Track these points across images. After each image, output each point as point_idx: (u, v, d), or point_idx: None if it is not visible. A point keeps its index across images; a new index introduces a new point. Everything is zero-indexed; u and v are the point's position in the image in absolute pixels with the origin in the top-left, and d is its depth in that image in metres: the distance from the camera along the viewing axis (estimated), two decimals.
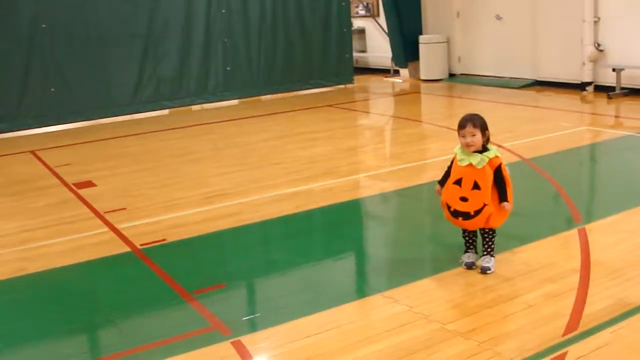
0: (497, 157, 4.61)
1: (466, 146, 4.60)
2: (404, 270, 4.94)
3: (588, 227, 5.52)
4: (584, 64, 12.28)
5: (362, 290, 4.82)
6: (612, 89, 11.79)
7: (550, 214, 6.09)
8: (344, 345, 3.89)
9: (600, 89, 12.21)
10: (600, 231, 5.46)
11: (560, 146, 8.36)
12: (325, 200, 6.75)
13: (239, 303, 4.68)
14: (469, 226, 4.72)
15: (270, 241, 5.99)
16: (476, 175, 4.56)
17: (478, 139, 4.58)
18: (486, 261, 4.75)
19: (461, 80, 14.83)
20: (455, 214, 4.65)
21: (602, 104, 11.30)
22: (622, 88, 11.72)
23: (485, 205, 4.55)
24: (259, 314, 4.44)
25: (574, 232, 5.43)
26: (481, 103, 12.01)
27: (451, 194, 4.66)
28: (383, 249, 5.74)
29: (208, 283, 4.91)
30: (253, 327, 4.23)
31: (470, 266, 4.79)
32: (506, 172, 4.66)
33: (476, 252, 4.88)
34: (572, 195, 6.37)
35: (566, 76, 12.75)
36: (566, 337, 3.82)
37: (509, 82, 13.73)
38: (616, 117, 10.41)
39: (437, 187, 4.86)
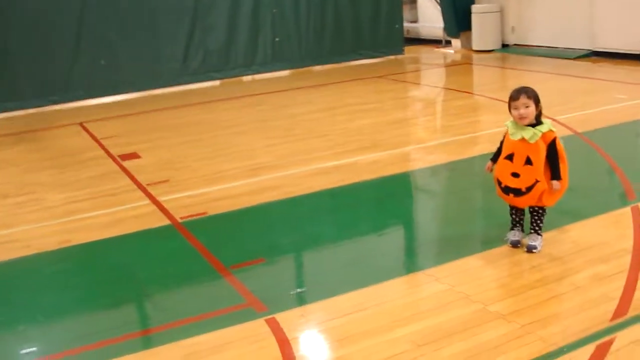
0: (551, 131, 4.42)
1: (519, 119, 4.41)
2: (447, 248, 4.81)
3: None
4: None
5: (403, 267, 4.68)
6: None
7: (603, 191, 5.85)
8: (380, 325, 3.78)
9: None
10: None
11: (615, 119, 8.05)
12: (371, 173, 6.62)
13: (277, 279, 4.59)
14: (520, 203, 4.56)
15: (313, 215, 5.87)
16: (529, 150, 4.39)
17: (532, 110, 4.39)
18: (533, 239, 4.57)
19: (514, 51, 14.44)
20: (506, 190, 4.50)
21: None
22: None
23: (537, 181, 4.38)
24: (297, 291, 4.36)
25: (627, 210, 5.19)
26: (534, 74, 11.67)
27: (502, 170, 4.51)
28: (428, 225, 5.60)
29: (247, 258, 4.84)
30: (290, 304, 4.13)
31: (515, 244, 4.62)
32: (561, 147, 4.47)
33: (523, 230, 4.71)
34: (626, 172, 6.11)
35: (624, 46, 12.28)
36: (614, 322, 3.64)
37: (564, 53, 13.31)
38: None
39: (489, 163, 4.70)
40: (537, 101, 4.44)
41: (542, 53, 13.68)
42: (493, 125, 7.96)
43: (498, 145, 4.67)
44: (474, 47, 14.93)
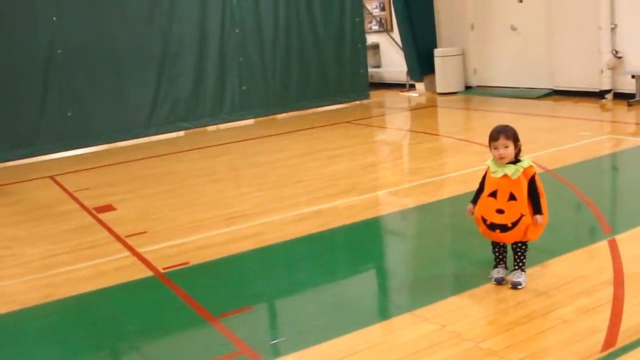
0: (531, 166, 4.54)
1: (499, 158, 4.54)
2: (433, 288, 4.85)
3: (618, 237, 5.40)
4: (602, 71, 12.15)
5: (390, 309, 4.74)
6: (631, 96, 11.66)
7: (578, 226, 6.00)
8: None
9: (619, 96, 12.07)
10: (631, 242, 5.33)
11: (582, 156, 8.25)
12: (348, 218, 6.67)
13: (265, 326, 4.60)
14: (506, 239, 4.62)
15: (294, 261, 5.90)
16: (511, 186, 4.49)
17: (510, 150, 4.51)
18: (517, 276, 4.64)
19: (478, 92, 14.74)
20: (492, 227, 4.57)
21: (622, 112, 11.17)
22: None
23: (522, 215, 4.47)
24: (286, 337, 4.35)
25: (604, 244, 5.32)
26: (499, 114, 11.91)
27: (487, 207, 4.58)
28: (409, 266, 5.65)
29: (233, 306, 4.83)
30: (281, 351, 4.15)
31: (500, 281, 4.69)
32: (539, 182, 4.59)
33: (506, 267, 4.78)
34: (599, 206, 6.27)
35: (584, 85, 12.62)
36: (605, 353, 3.72)
37: (526, 93, 13.62)
38: (637, 124, 10.27)
39: (470, 206, 4.75)
40: (516, 140, 4.56)
41: (504, 93, 13.98)
42: (462, 167, 8.10)
43: (478, 186, 4.74)
44: (438, 90, 15.20)
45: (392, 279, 5.42)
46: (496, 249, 4.77)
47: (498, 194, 4.52)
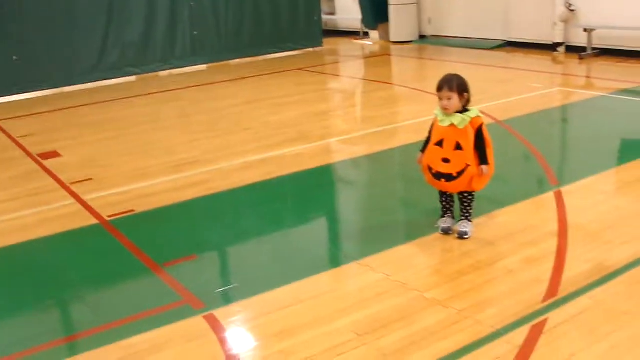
0: (478, 117, 4.51)
1: (443, 109, 4.51)
2: (379, 237, 4.84)
3: (564, 189, 5.46)
4: (555, 24, 12.20)
5: (337, 258, 4.72)
6: (583, 49, 11.72)
7: (526, 177, 6.03)
8: (319, 316, 3.79)
9: (571, 49, 12.13)
10: (576, 193, 5.39)
11: (532, 107, 8.28)
12: (296, 166, 6.62)
13: (210, 275, 4.55)
14: (451, 188, 4.62)
15: (241, 209, 5.84)
16: (458, 135, 4.46)
17: (454, 102, 4.47)
18: (464, 226, 4.66)
19: (431, 42, 14.68)
20: (438, 175, 4.55)
21: (574, 65, 11.23)
22: (594, 48, 11.64)
23: (468, 165, 4.46)
24: (231, 286, 4.31)
25: (550, 195, 5.36)
26: (452, 64, 11.88)
27: (433, 156, 4.56)
28: (357, 215, 5.63)
29: (179, 255, 4.78)
30: (226, 300, 4.11)
31: (446, 231, 4.71)
32: (487, 133, 4.56)
33: (453, 217, 4.79)
34: (547, 158, 6.31)
35: (537, 37, 12.66)
36: (546, 303, 3.76)
37: (479, 43, 13.61)
38: (587, 77, 10.36)
39: (419, 155, 4.72)
40: (462, 91, 4.50)
41: (458, 44, 13.96)
42: (414, 116, 8.10)
43: (427, 134, 4.72)
44: (392, 39, 15.10)
45: (339, 228, 5.40)
46: (443, 199, 4.77)
47: (444, 143, 4.50)
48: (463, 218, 4.69)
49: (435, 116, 4.62)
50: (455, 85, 4.49)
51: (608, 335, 3.41)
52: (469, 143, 4.46)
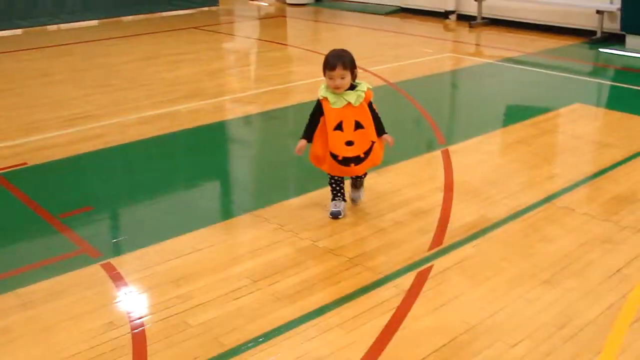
0: (369, 89, 4.26)
1: (335, 88, 4.18)
2: (273, 191, 4.97)
3: (451, 148, 5.72)
4: None
5: (231, 210, 4.82)
6: (473, 18, 12.12)
7: (414, 136, 6.27)
8: (215, 264, 3.89)
9: (462, 18, 12.52)
10: (462, 152, 5.66)
11: (423, 72, 8.55)
12: (190, 122, 6.64)
13: (106, 226, 4.56)
14: (360, 171, 4.36)
15: (136, 164, 5.84)
16: (356, 114, 4.19)
17: (347, 81, 4.17)
18: (358, 193, 4.62)
19: (327, 5, 14.80)
20: (346, 161, 4.24)
21: (464, 33, 11.60)
22: (483, 18, 12.05)
23: (373, 143, 4.26)
24: (127, 236, 4.34)
25: (437, 154, 5.62)
26: (347, 28, 12.05)
27: (335, 141, 4.21)
28: (250, 170, 5.73)
29: (74, 206, 4.75)
30: (122, 249, 4.14)
31: (337, 215, 4.41)
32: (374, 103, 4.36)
33: (344, 200, 4.54)
34: (435, 119, 6.57)
35: (430, 4, 12.99)
36: (432, 251, 3.99)
37: (374, 8, 13.84)
38: (477, 45, 10.72)
39: (301, 142, 4.35)
40: (353, 67, 4.20)
41: (354, 8, 14.14)
42: (307, 76, 8.24)
43: (309, 119, 4.35)
44: (288, 1, 15.13)
45: (233, 182, 5.49)
46: (332, 181, 4.48)
47: (344, 125, 4.20)
48: (360, 186, 4.59)
49: (323, 98, 4.25)
50: (348, 63, 4.15)
51: (488, 279, 3.67)
52: (368, 119, 4.22)
